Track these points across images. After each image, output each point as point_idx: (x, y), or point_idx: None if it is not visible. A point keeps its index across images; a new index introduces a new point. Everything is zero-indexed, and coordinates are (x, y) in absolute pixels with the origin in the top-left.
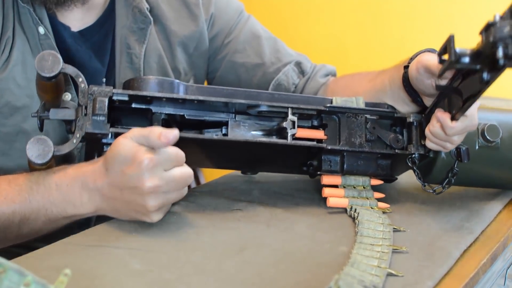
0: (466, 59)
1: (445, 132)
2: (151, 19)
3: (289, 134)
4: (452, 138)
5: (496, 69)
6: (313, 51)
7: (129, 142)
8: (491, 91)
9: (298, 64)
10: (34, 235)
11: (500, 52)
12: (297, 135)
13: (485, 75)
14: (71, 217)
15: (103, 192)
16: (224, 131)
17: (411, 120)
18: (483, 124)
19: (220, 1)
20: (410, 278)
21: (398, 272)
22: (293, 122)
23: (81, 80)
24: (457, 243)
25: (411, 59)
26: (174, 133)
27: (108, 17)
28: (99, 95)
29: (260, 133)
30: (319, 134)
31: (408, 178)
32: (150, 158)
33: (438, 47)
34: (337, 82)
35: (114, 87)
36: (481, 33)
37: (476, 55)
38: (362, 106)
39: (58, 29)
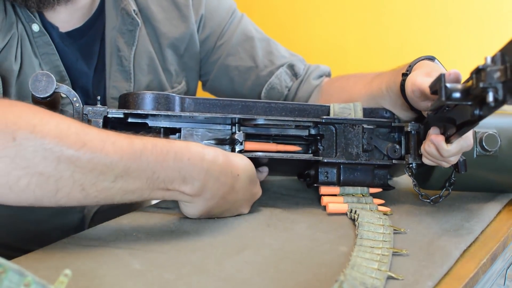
0: (457, 95)
1: (440, 154)
2: (138, 21)
3: (236, 150)
4: (448, 159)
5: (487, 109)
6: (312, 52)
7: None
8: None
9: (291, 67)
10: (110, 200)
11: (490, 97)
12: (246, 148)
13: (477, 111)
14: (169, 191)
15: (224, 190)
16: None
17: (409, 129)
18: (482, 133)
19: (211, 2)
20: (410, 278)
21: (398, 275)
22: (242, 140)
23: (76, 99)
24: (457, 243)
25: (410, 66)
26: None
27: (97, 19)
28: (94, 116)
29: (212, 142)
30: (270, 146)
31: (407, 178)
32: (260, 192)
33: (437, 48)
34: (332, 84)
35: (104, 90)
36: (471, 74)
37: (467, 92)
38: (360, 113)
39: (47, 29)
